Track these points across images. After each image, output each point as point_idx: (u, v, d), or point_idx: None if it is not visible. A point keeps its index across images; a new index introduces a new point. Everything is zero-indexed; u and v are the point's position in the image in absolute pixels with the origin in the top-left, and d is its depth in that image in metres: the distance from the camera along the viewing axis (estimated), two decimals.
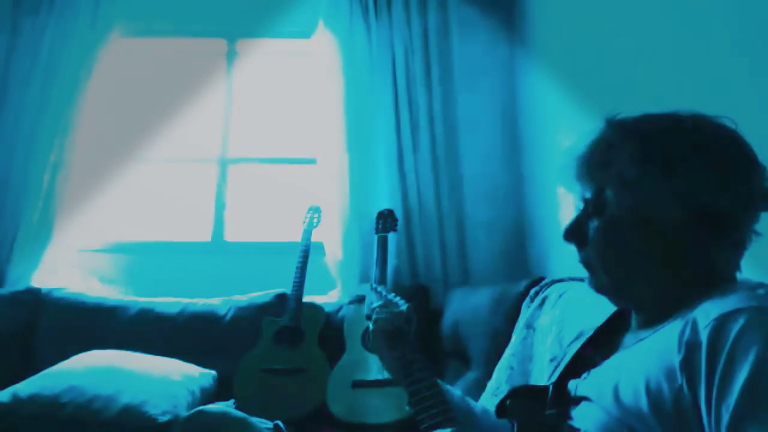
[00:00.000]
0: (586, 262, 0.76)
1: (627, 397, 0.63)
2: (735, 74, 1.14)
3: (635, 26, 1.55)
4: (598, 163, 0.73)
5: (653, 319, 0.72)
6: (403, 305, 1.02)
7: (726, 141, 0.69)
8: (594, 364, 0.75)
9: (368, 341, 1.97)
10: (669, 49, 1.38)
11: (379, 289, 1.08)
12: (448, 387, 0.97)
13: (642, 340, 0.70)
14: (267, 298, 2.26)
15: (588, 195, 0.75)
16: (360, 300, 2.18)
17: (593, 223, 0.74)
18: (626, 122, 0.74)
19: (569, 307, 1.36)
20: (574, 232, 0.75)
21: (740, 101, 1.10)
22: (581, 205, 0.76)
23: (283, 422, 1.23)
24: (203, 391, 1.91)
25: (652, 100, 1.41)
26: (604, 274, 0.74)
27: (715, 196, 0.66)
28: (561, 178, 0.77)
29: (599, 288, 0.76)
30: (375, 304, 1.02)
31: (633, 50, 1.56)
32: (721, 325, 0.57)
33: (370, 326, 1.01)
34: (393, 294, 1.06)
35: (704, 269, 0.69)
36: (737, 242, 0.69)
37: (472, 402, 0.99)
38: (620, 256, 0.72)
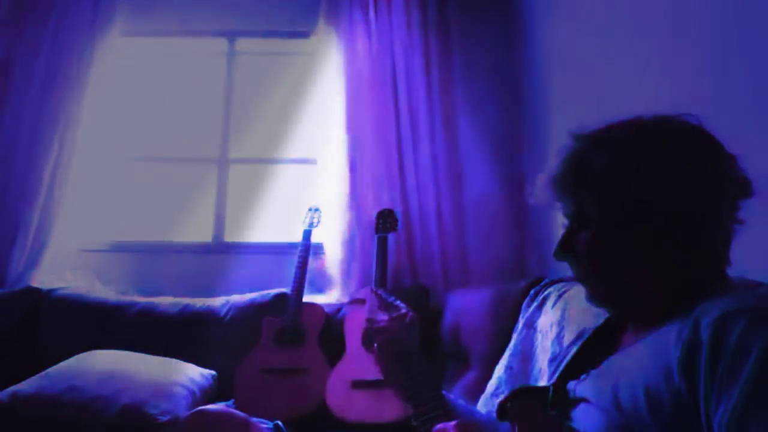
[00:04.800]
0: (580, 278, 0.77)
1: (626, 399, 0.63)
2: (730, 72, 1.14)
3: (634, 26, 1.56)
4: (572, 180, 0.74)
5: (652, 319, 0.72)
6: (403, 309, 1.01)
7: (692, 137, 0.70)
8: (593, 365, 0.75)
9: (368, 342, 1.97)
10: (666, 51, 1.38)
11: (380, 292, 1.07)
12: (454, 399, 0.96)
13: (640, 341, 0.70)
14: (267, 298, 2.26)
15: (570, 211, 0.76)
16: (360, 301, 2.18)
17: (581, 237, 0.74)
18: (592, 135, 0.75)
19: (569, 307, 1.36)
20: (565, 250, 0.76)
21: (734, 98, 1.10)
22: (566, 222, 0.77)
23: (283, 422, 1.23)
24: (203, 391, 1.91)
25: (651, 100, 1.41)
26: (599, 288, 0.75)
27: (690, 192, 0.67)
28: (541, 200, 0.78)
29: (597, 301, 0.77)
30: (375, 310, 1.00)
31: (632, 50, 1.56)
32: (722, 325, 0.57)
33: (370, 332, 1.00)
34: (393, 297, 1.05)
35: (695, 267, 0.69)
36: (722, 235, 0.69)
37: (478, 412, 0.98)
38: (611, 267, 0.73)
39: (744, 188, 0.69)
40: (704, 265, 0.69)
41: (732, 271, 0.71)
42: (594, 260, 0.73)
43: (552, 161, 0.76)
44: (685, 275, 0.69)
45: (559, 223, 0.79)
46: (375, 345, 0.98)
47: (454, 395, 0.97)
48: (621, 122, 0.74)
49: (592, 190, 0.72)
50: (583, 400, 0.71)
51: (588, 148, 0.73)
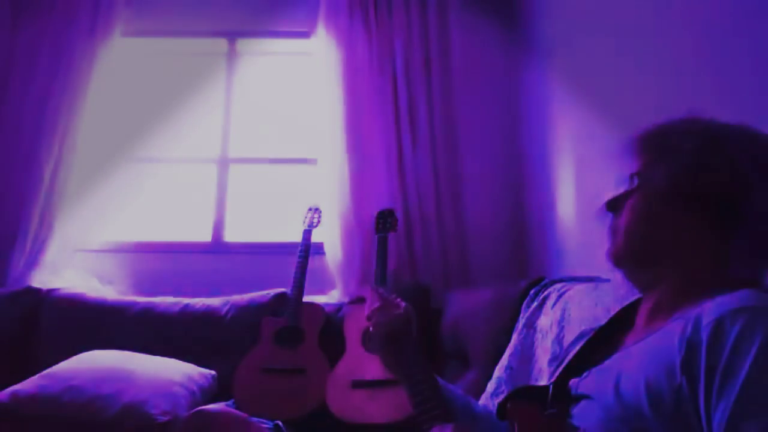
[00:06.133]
0: (614, 228, 0.79)
1: (627, 395, 0.63)
2: (736, 72, 1.14)
3: (637, 27, 1.56)
4: (661, 141, 0.77)
5: (655, 316, 0.72)
6: (403, 307, 1.02)
7: (755, 145, 0.73)
8: (595, 364, 0.75)
9: (369, 342, 1.98)
10: (671, 51, 1.38)
11: (380, 290, 1.08)
12: (450, 386, 0.97)
13: (643, 339, 0.70)
14: (267, 298, 2.26)
15: (638, 167, 0.78)
16: (360, 300, 2.18)
17: (632, 197, 0.78)
18: (699, 121, 0.78)
19: (569, 307, 1.36)
20: (615, 202, 0.80)
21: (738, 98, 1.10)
22: (627, 183, 0.80)
23: (283, 422, 1.23)
24: (203, 391, 1.91)
25: (653, 99, 1.41)
26: (626, 241, 0.77)
27: (750, 188, 0.69)
28: (622, 148, 0.82)
29: (616, 256, 0.79)
30: (375, 307, 1.02)
31: (634, 50, 1.56)
32: (721, 324, 0.57)
33: (371, 329, 1.02)
34: (393, 295, 1.06)
35: (718, 265, 0.70)
36: (758, 247, 0.70)
37: (473, 401, 0.99)
38: (647, 225, 0.75)
39: None
40: (728, 267, 0.70)
41: None
42: (636, 214, 0.76)
43: (654, 120, 0.80)
44: (707, 268, 0.71)
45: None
46: (372, 336, 1.00)
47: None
48: (728, 123, 0.77)
49: (671, 154, 0.74)
50: (585, 397, 0.72)
51: (687, 128, 0.76)
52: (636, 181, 0.78)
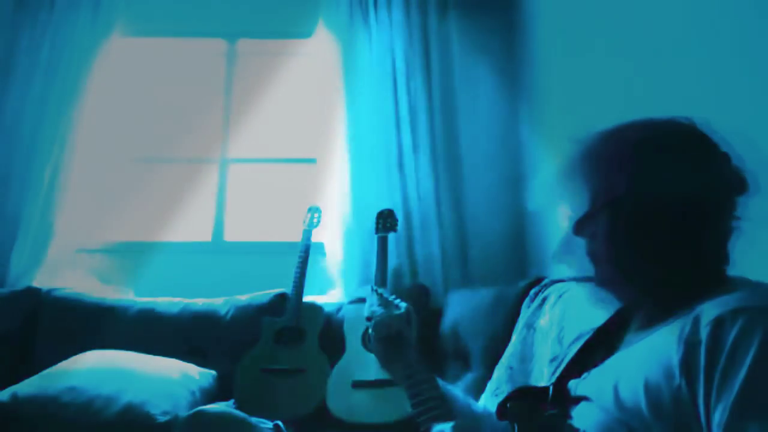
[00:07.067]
0: (592, 254, 0.78)
1: (626, 396, 0.63)
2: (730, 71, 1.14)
3: (636, 20, 1.56)
4: (585, 171, 0.77)
5: (653, 317, 0.72)
6: (403, 307, 1.02)
7: (689, 137, 0.73)
8: (594, 364, 0.75)
9: (368, 342, 1.98)
10: (668, 47, 1.38)
11: (380, 290, 1.08)
12: (450, 387, 0.97)
13: (641, 340, 0.70)
14: (267, 298, 2.26)
15: (591, 190, 0.77)
16: (360, 300, 2.18)
17: (600, 224, 0.76)
18: (606, 133, 0.78)
19: (569, 307, 1.36)
20: (581, 227, 0.78)
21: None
22: (585, 206, 0.79)
23: (283, 422, 1.23)
24: (203, 391, 1.91)
25: (651, 95, 1.41)
26: (608, 265, 0.76)
27: (689, 187, 0.69)
28: (557, 193, 0.82)
29: (603, 281, 0.78)
30: (375, 307, 1.02)
31: (633, 45, 1.57)
32: (720, 324, 0.57)
33: (370, 329, 1.02)
34: (393, 296, 1.06)
35: (694, 266, 0.70)
36: (722, 231, 0.70)
37: (473, 402, 0.99)
38: (621, 247, 0.74)
39: (737, 186, 0.70)
40: (703, 264, 0.70)
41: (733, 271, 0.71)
42: (608, 239, 0.75)
43: (563, 160, 0.80)
44: (689, 270, 0.70)
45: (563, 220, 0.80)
46: (372, 338, 1.00)
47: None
48: (631, 122, 0.77)
49: (603, 182, 0.74)
50: (584, 398, 0.72)
51: (601, 144, 0.77)
52: (594, 204, 0.77)
